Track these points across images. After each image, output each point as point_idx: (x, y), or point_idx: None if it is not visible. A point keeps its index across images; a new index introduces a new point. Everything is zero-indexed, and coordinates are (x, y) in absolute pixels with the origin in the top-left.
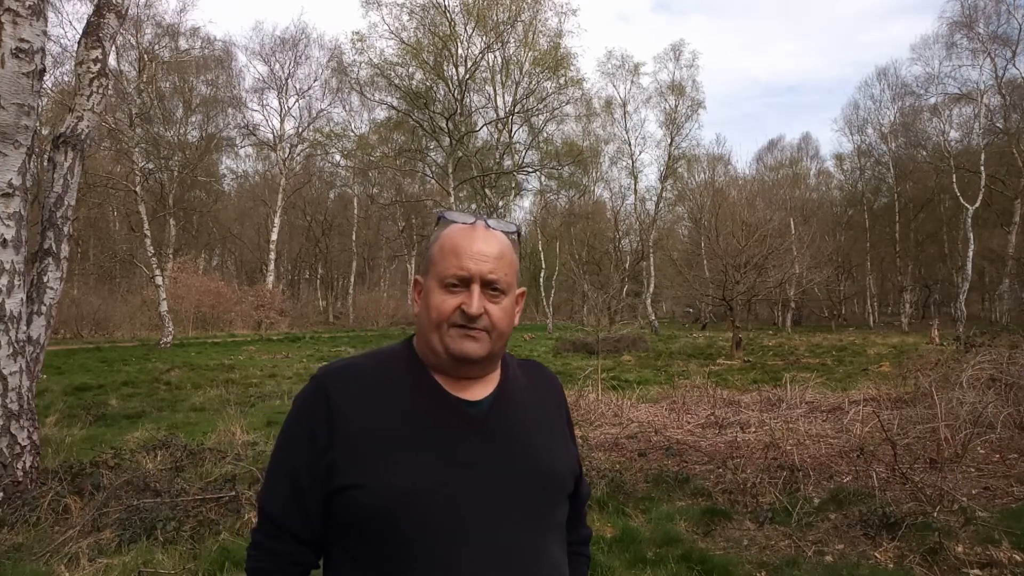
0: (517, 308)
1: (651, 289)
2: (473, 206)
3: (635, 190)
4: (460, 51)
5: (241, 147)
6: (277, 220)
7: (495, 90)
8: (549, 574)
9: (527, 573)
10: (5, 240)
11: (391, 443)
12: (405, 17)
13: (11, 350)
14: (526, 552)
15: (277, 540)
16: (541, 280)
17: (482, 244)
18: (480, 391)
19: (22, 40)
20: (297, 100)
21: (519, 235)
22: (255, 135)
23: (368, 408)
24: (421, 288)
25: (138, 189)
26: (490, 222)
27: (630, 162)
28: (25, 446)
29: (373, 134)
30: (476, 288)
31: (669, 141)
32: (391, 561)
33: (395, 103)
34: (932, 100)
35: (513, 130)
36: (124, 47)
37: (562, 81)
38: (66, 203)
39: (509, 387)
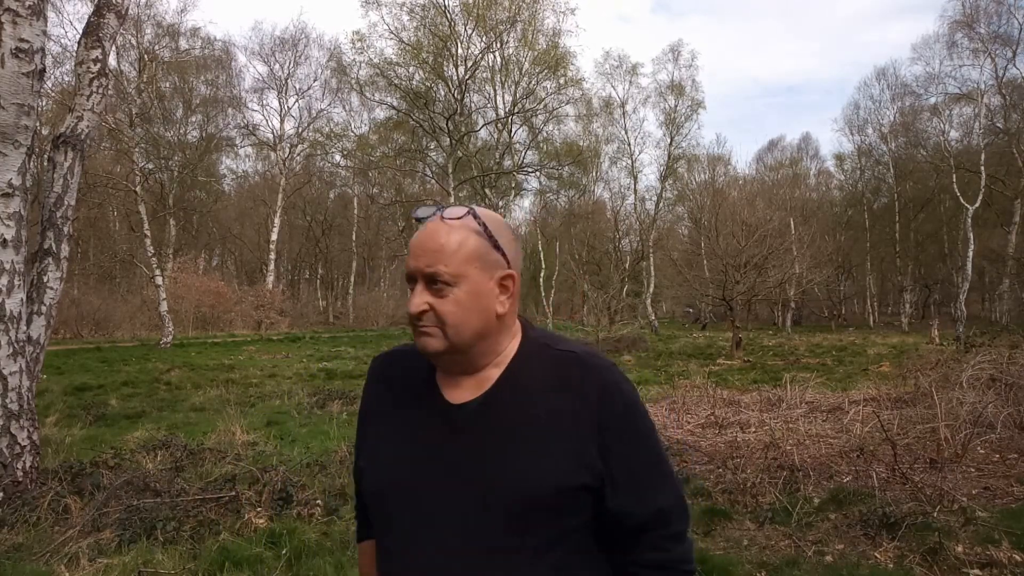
0: (504, 294)
1: (651, 289)
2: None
3: (635, 190)
4: (460, 51)
5: (241, 147)
6: (277, 220)
7: (495, 90)
8: None
9: None
10: (5, 240)
11: (383, 434)
12: (405, 17)
13: (11, 350)
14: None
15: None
16: (541, 280)
17: (424, 239)
18: (472, 391)
19: (22, 40)
20: (297, 100)
21: (476, 216)
22: (255, 135)
23: (384, 394)
24: None
25: (138, 189)
26: (445, 211)
27: (630, 162)
28: (25, 446)
29: (373, 134)
30: (418, 286)
31: (669, 141)
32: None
33: (395, 103)
34: (932, 100)
35: (513, 130)
36: (124, 47)
37: (561, 81)
38: (66, 203)
39: (501, 389)
